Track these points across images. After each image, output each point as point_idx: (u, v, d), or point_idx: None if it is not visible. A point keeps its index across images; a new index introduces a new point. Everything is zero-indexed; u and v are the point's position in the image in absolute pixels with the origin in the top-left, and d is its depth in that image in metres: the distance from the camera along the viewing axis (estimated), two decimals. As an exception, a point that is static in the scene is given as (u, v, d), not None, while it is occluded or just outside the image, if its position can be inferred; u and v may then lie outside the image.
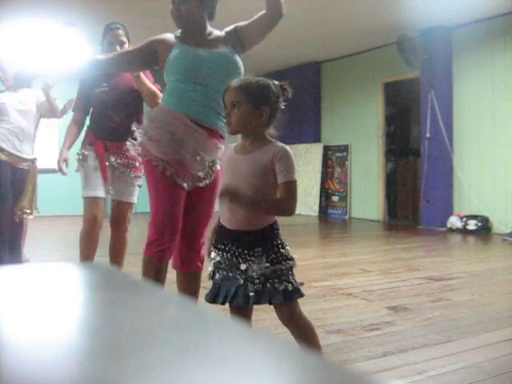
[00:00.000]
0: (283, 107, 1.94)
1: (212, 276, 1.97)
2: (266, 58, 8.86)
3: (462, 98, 7.25)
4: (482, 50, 7.02)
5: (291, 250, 1.94)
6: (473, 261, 4.96)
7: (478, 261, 4.98)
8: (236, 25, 2.44)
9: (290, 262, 1.90)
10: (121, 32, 3.18)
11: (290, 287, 1.87)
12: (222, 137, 2.42)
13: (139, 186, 3.28)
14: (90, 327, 0.56)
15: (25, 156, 3.93)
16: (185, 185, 2.36)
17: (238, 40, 2.41)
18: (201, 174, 2.37)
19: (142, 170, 3.17)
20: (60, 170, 3.36)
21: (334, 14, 6.68)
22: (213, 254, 1.98)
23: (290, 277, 1.89)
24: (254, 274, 1.86)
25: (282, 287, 1.85)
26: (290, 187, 1.86)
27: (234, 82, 1.95)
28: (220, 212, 1.99)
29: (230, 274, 1.91)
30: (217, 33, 2.45)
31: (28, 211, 4.04)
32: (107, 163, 3.17)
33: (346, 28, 7.35)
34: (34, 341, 0.49)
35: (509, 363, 2.25)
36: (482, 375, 2.09)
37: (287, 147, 1.90)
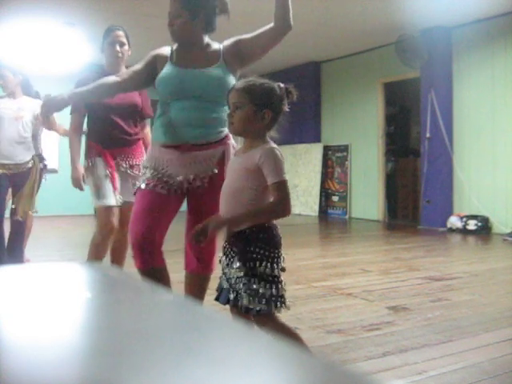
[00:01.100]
0: (287, 110, 1.93)
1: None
2: (266, 58, 8.80)
3: (461, 98, 7.25)
4: (482, 50, 7.02)
5: (275, 269, 1.83)
6: (473, 261, 4.96)
7: (478, 261, 4.98)
8: (238, 38, 2.42)
9: (262, 281, 1.81)
10: (120, 33, 3.21)
11: (249, 303, 1.80)
12: (201, 145, 2.39)
13: None
14: (90, 327, 0.56)
15: (18, 162, 3.94)
16: (164, 191, 2.37)
17: (237, 54, 2.40)
18: (191, 176, 2.37)
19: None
20: (80, 187, 3.28)
21: (334, 13, 6.68)
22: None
23: (254, 291, 1.81)
24: (231, 276, 1.87)
25: (244, 300, 1.81)
26: (279, 187, 1.82)
27: (239, 84, 1.95)
28: None
29: (224, 275, 1.93)
30: (215, 46, 2.45)
31: (30, 212, 4.08)
32: (117, 170, 3.19)
33: (346, 28, 7.35)
34: (35, 341, 0.49)
35: (509, 363, 2.25)
36: (482, 375, 2.09)
37: (274, 148, 1.86)
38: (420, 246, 5.83)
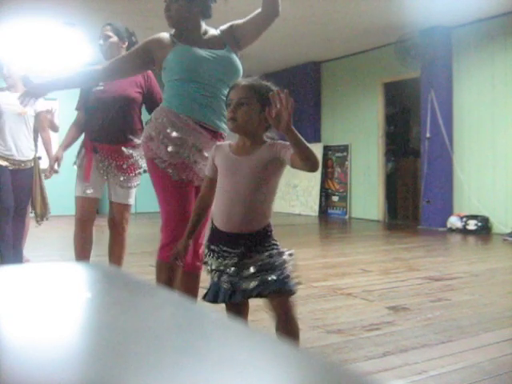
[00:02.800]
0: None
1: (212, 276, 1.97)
2: (266, 58, 8.86)
3: (461, 97, 7.25)
4: (482, 50, 7.02)
5: (286, 249, 1.95)
6: (473, 261, 4.96)
7: (478, 261, 4.98)
8: (232, 23, 2.43)
9: (284, 257, 1.91)
10: (107, 27, 3.27)
11: (283, 277, 1.86)
12: (222, 137, 2.41)
13: (134, 187, 3.28)
14: (89, 327, 0.56)
15: (21, 158, 3.95)
16: (194, 181, 2.35)
17: (233, 39, 2.41)
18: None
19: (134, 172, 3.20)
20: (50, 167, 3.47)
21: (334, 13, 6.68)
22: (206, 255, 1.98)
23: (284, 270, 1.88)
24: (251, 270, 1.87)
25: (274, 276, 1.85)
26: None
27: (243, 81, 1.95)
28: (215, 214, 1.97)
29: (226, 274, 1.91)
30: (212, 32, 2.44)
31: (46, 215, 4.13)
32: (93, 164, 3.18)
33: (346, 28, 7.35)
34: (35, 341, 0.49)
35: (509, 363, 2.25)
36: (482, 375, 2.09)
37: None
38: (420, 246, 5.83)
